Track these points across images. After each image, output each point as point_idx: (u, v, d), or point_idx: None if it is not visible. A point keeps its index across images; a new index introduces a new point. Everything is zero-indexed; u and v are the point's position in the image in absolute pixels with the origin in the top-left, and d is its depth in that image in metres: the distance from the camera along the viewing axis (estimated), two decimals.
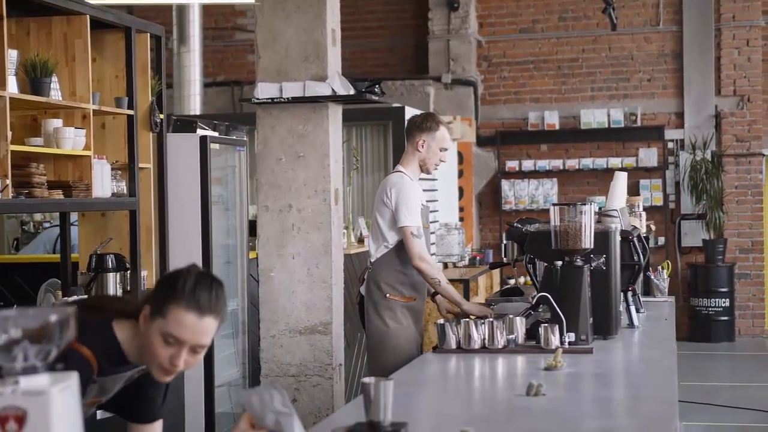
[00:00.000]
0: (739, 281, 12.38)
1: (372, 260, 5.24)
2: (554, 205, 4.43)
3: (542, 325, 4.20)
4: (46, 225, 8.97)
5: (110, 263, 5.34)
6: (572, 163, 12.64)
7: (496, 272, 11.09)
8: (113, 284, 5.34)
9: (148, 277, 5.77)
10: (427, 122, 5.27)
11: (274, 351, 5.67)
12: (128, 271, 5.49)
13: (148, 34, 5.81)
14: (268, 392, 2.49)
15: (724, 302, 12.10)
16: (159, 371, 2.61)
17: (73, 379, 1.78)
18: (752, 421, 8.15)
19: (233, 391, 6.69)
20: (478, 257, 10.98)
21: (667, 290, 6.38)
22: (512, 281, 12.18)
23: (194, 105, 10.51)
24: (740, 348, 11.94)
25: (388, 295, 5.14)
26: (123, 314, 2.68)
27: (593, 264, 4.43)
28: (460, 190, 12.35)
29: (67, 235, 5.59)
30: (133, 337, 2.65)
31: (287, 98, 5.61)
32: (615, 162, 12.44)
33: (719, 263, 12.14)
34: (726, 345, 12.02)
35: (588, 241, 4.36)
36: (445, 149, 5.28)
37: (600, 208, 5.24)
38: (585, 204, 4.38)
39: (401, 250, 5.15)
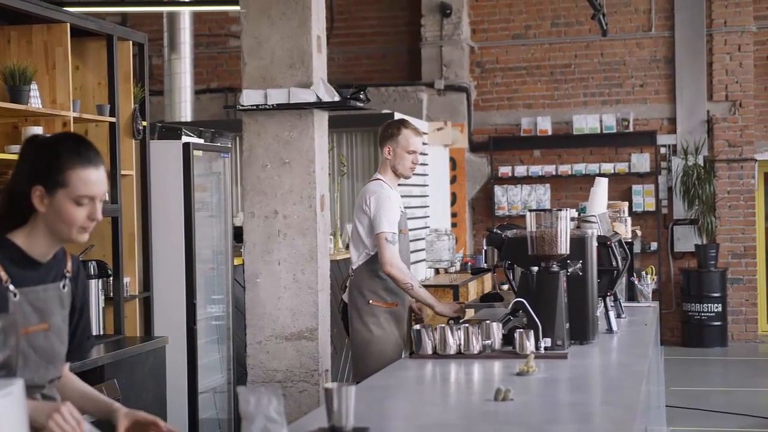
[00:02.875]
0: (732, 286, 12.39)
1: (354, 267, 5.33)
2: (531, 210, 4.45)
3: (517, 330, 4.21)
4: None
5: (92, 270, 5.35)
6: (565, 169, 12.66)
7: (488, 278, 11.10)
8: (95, 291, 5.35)
9: (131, 283, 5.79)
10: (389, 129, 5.37)
11: (260, 357, 5.68)
12: (110, 278, 5.51)
13: (131, 41, 5.83)
14: (267, 396, 2.52)
15: (717, 307, 12.11)
16: (78, 234, 2.69)
17: (17, 385, 1.80)
18: (742, 426, 8.16)
19: (218, 397, 6.70)
20: (470, 263, 10.98)
21: (651, 296, 6.38)
22: (506, 287, 12.18)
23: (185, 112, 10.53)
24: (732, 353, 11.95)
25: (371, 301, 5.21)
26: (10, 228, 2.71)
27: (569, 270, 4.45)
28: (453, 196, 12.38)
29: None
30: (29, 236, 2.70)
31: (272, 105, 5.63)
32: (607, 167, 12.46)
33: (712, 268, 12.15)
34: (718, 350, 12.02)
35: (564, 247, 4.37)
36: (413, 152, 5.33)
37: (580, 214, 5.26)
38: (561, 210, 4.40)
39: None
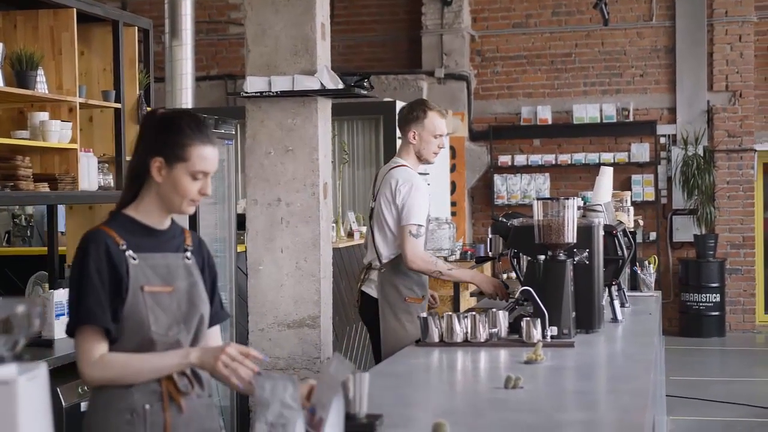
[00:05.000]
0: (730, 276, 12.42)
1: (383, 261, 5.08)
2: (538, 199, 4.44)
3: (524, 319, 4.22)
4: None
5: None
6: (564, 158, 12.67)
7: (488, 266, 11.12)
8: None
9: None
10: (413, 112, 5.12)
11: (263, 344, 5.69)
12: None
13: (136, 27, 5.82)
14: (284, 383, 2.54)
15: (715, 297, 12.13)
16: (187, 206, 2.84)
17: (41, 369, 1.80)
18: (741, 415, 8.18)
19: (220, 384, 6.68)
20: (469, 251, 11.00)
21: (653, 285, 6.40)
22: (504, 276, 12.19)
23: (186, 98, 10.44)
24: (730, 343, 11.98)
25: (407, 298, 5.03)
26: (125, 205, 2.86)
27: (576, 258, 4.45)
28: (453, 185, 12.38)
29: (54, 228, 5.59)
30: (140, 207, 2.84)
31: (276, 92, 5.62)
32: (607, 157, 12.46)
33: (710, 258, 12.17)
34: (716, 340, 12.06)
35: (571, 236, 4.37)
36: (440, 135, 5.10)
37: (585, 203, 5.26)
38: (568, 199, 4.40)
39: None
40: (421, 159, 5.16)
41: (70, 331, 2.79)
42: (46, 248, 5.92)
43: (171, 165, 2.79)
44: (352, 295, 7.47)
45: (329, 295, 5.81)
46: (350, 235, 8.02)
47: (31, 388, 1.76)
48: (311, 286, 5.67)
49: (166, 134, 2.82)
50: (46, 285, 5.36)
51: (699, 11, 12.45)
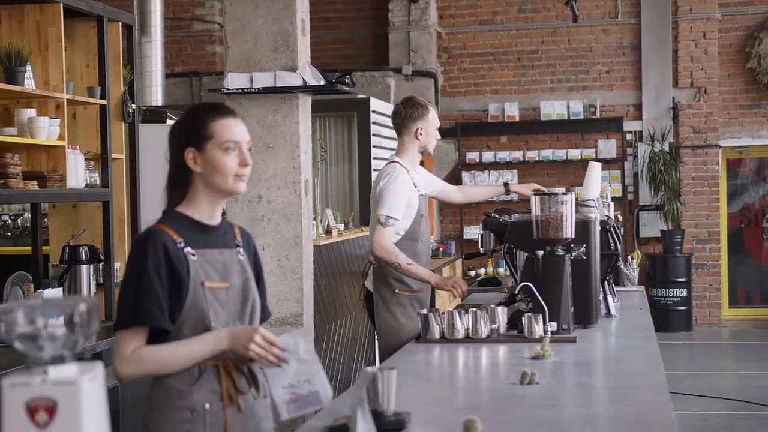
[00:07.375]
0: (696, 271, 12.53)
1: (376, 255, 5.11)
2: (536, 194, 4.44)
3: (525, 314, 4.21)
4: (5, 218, 8.86)
5: (84, 255, 5.27)
6: (532, 155, 12.71)
7: (459, 263, 11.14)
8: (86, 276, 5.27)
9: (122, 268, 5.70)
10: (417, 110, 5.23)
11: None
12: (101, 263, 5.43)
13: (120, 23, 5.74)
14: (294, 340, 2.56)
15: (682, 292, 12.24)
16: (235, 182, 2.82)
17: (99, 369, 1.76)
18: (710, 408, 8.27)
19: None
20: (440, 249, 11.02)
21: (636, 280, 6.43)
22: (472, 273, 12.23)
23: (156, 96, 10.38)
24: (697, 337, 12.10)
25: (397, 290, 5.10)
26: (176, 203, 2.87)
27: (574, 253, 4.45)
28: None
29: (38, 227, 5.50)
30: (191, 202, 2.84)
31: (258, 89, 5.57)
32: (574, 153, 12.53)
33: (677, 254, 12.27)
34: (684, 334, 12.17)
35: (569, 231, 4.37)
36: (438, 127, 5.33)
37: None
38: (566, 194, 4.40)
39: (405, 243, 5.08)
40: (423, 153, 5.31)
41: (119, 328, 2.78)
42: (28, 248, 5.82)
43: (201, 148, 2.80)
44: (331, 292, 7.44)
45: (311, 292, 5.78)
46: (328, 232, 7.98)
47: (92, 387, 1.73)
48: (293, 284, 5.65)
49: (186, 125, 2.85)
50: (31, 285, 5.27)
51: (664, 8, 12.55)
